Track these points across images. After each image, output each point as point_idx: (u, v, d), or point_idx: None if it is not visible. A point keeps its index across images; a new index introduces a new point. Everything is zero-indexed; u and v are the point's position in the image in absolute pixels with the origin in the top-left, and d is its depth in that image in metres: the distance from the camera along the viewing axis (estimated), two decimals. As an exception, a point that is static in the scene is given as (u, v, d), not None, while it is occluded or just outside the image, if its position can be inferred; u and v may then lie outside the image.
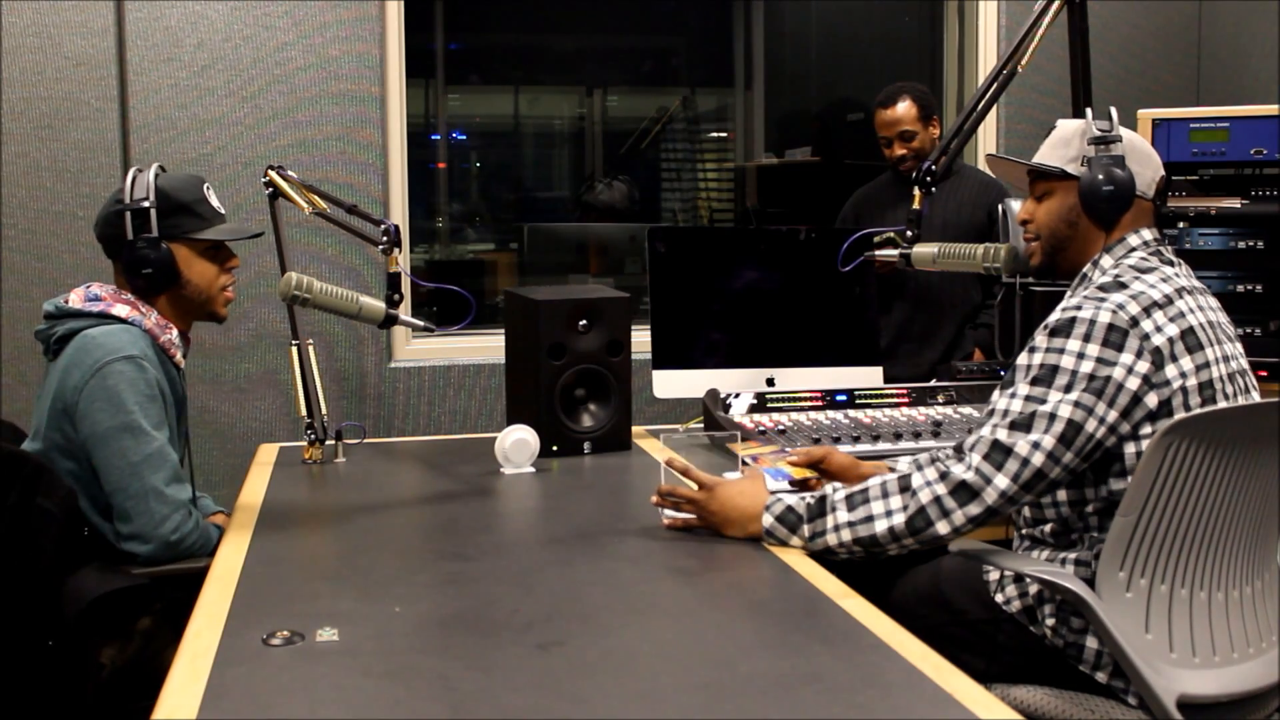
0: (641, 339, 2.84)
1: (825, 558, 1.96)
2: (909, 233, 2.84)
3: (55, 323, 2.33)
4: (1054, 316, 1.95)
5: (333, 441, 2.65)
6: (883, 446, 2.59)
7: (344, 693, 1.40)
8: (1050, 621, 1.94)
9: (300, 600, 1.73)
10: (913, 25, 5.54)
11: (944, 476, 1.91)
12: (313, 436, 2.62)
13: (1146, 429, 1.87)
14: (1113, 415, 1.86)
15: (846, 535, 1.94)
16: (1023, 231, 2.20)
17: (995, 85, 2.87)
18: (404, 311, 2.31)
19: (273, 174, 2.67)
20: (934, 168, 2.84)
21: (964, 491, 1.89)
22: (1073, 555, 1.95)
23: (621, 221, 5.70)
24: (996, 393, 1.97)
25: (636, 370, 2.78)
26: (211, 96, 3.70)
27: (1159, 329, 1.90)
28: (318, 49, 3.76)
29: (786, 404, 2.83)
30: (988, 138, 4.34)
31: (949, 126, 3.36)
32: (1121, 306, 1.91)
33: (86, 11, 3.59)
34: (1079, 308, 1.92)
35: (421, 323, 2.34)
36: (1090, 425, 1.86)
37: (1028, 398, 1.90)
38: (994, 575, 2.05)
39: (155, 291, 2.37)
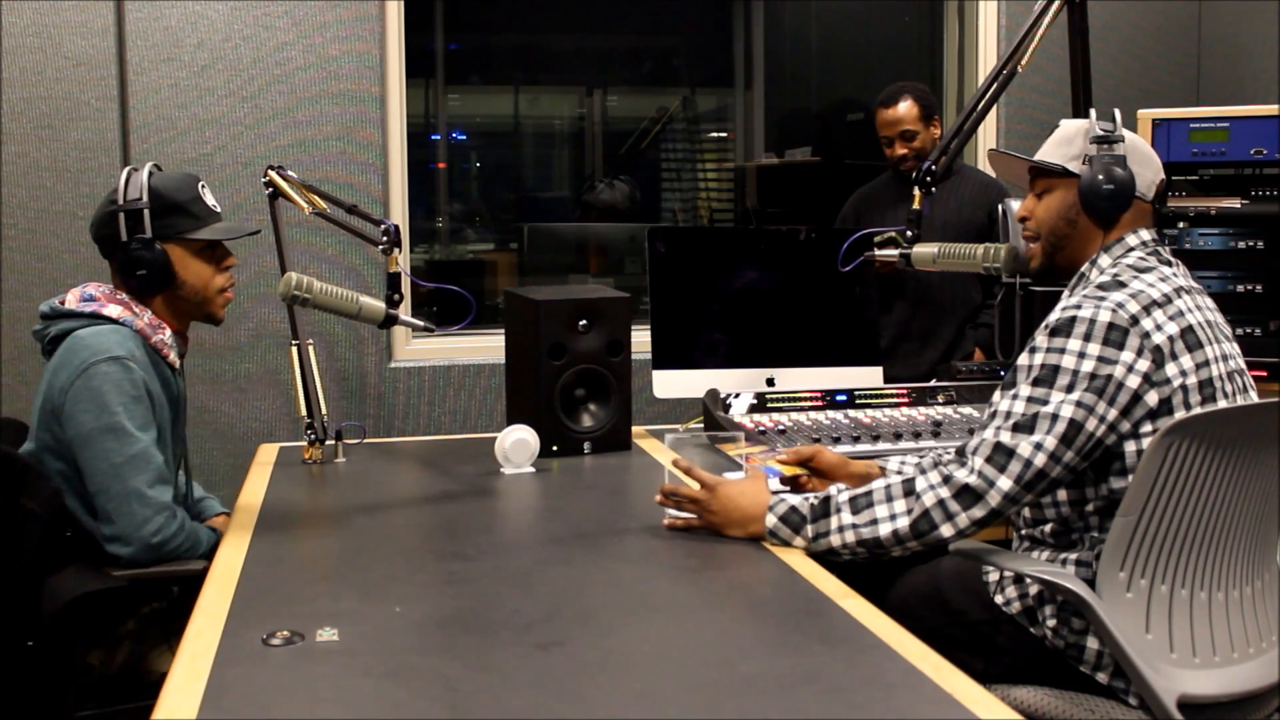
0: (641, 339, 2.84)
1: (827, 558, 1.96)
2: (909, 233, 2.84)
3: (50, 323, 2.33)
4: (1054, 316, 1.95)
5: (333, 441, 2.65)
6: (882, 446, 2.59)
7: (344, 693, 1.40)
8: (1051, 622, 1.94)
9: (300, 600, 1.73)
10: (913, 25, 5.54)
11: (947, 480, 1.91)
12: (313, 436, 2.62)
13: (1147, 427, 1.87)
14: (1113, 414, 1.87)
15: (850, 537, 1.94)
16: (1021, 228, 2.20)
17: (995, 85, 2.87)
18: (404, 311, 2.31)
19: (272, 174, 2.67)
20: (934, 168, 2.84)
21: (967, 494, 1.89)
22: (1073, 555, 1.95)
23: (621, 221, 5.70)
24: (998, 394, 1.97)
25: (636, 370, 2.78)
26: (211, 96, 3.70)
27: (1159, 327, 1.90)
28: (317, 49, 3.76)
29: (786, 404, 2.83)
30: (988, 138, 4.34)
31: (949, 126, 3.36)
32: (1121, 305, 1.91)
33: (86, 11, 3.58)
34: (1079, 307, 1.92)
35: (421, 323, 2.34)
36: (1091, 424, 1.86)
37: (1030, 399, 1.90)
38: (993, 576, 2.04)
39: (150, 292, 2.35)
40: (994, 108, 3.32)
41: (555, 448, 2.63)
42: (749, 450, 2.32)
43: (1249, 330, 3.49)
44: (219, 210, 2.45)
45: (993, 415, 1.94)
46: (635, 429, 2.81)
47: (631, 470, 2.58)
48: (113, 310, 2.31)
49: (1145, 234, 2.08)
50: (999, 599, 2.02)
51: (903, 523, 1.92)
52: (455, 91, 6.15)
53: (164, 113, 3.67)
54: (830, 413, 2.82)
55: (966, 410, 2.86)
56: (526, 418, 2.63)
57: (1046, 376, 1.90)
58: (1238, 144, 3.52)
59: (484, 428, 3.94)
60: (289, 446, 2.80)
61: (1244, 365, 2.04)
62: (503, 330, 2.92)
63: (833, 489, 2.01)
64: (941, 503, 1.90)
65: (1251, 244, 3.51)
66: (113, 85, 3.62)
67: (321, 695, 1.39)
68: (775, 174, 6.14)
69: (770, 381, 2.99)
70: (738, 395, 2.81)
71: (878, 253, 2.91)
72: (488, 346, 4.01)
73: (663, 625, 1.65)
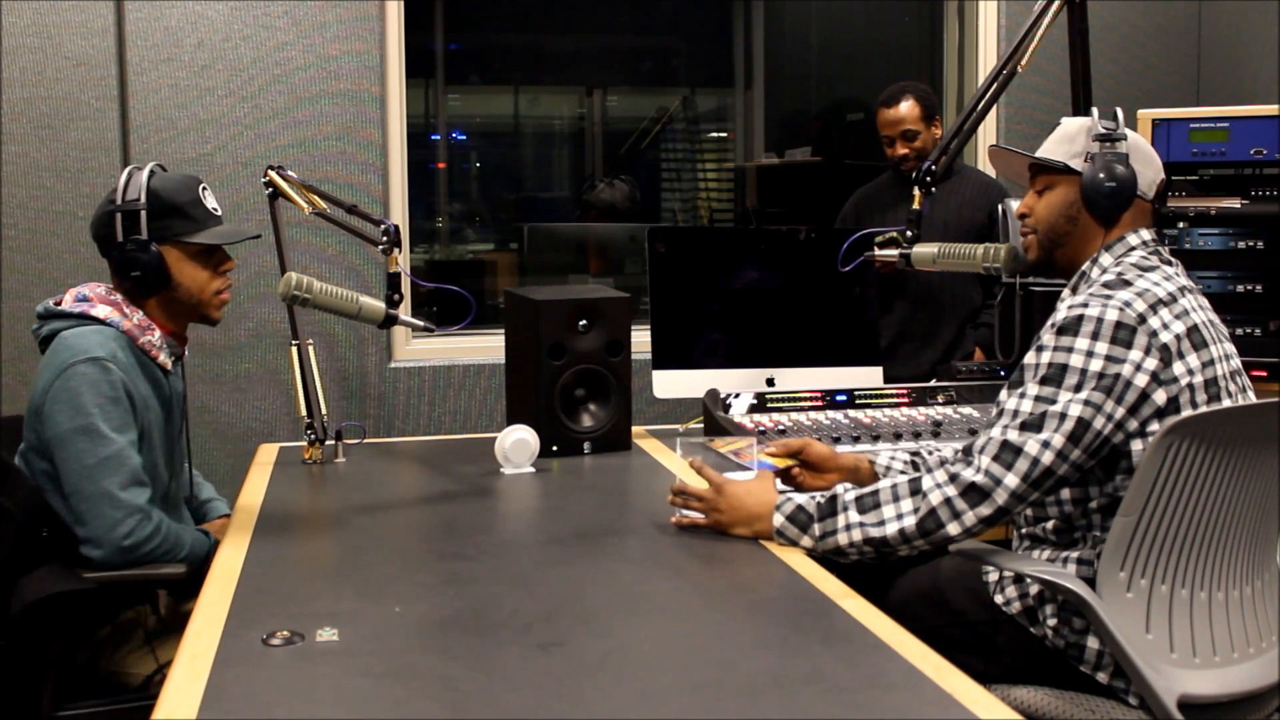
0: (641, 339, 2.83)
1: (834, 559, 1.97)
2: (909, 233, 2.84)
3: (43, 323, 2.32)
4: (1060, 314, 1.94)
5: (333, 441, 2.65)
6: (882, 447, 2.59)
7: (344, 693, 1.40)
8: (1052, 622, 1.94)
9: (300, 600, 1.73)
10: (913, 25, 5.54)
11: (954, 479, 1.91)
12: (313, 436, 2.62)
13: (1154, 426, 1.87)
14: (1121, 412, 1.87)
15: (857, 535, 1.94)
16: (1020, 225, 2.20)
17: (995, 85, 2.87)
18: (404, 311, 2.30)
19: (272, 174, 2.67)
20: (934, 168, 2.84)
21: (974, 493, 1.89)
22: (1075, 554, 1.95)
23: (621, 221, 5.70)
24: (1004, 392, 1.96)
25: (636, 370, 2.77)
26: (211, 96, 3.70)
27: (1166, 326, 1.90)
28: (317, 48, 3.76)
29: (786, 404, 2.83)
30: (988, 138, 4.34)
31: (949, 126, 3.36)
32: (1128, 304, 1.91)
33: (86, 11, 3.59)
34: (1086, 305, 1.92)
35: (421, 323, 2.33)
36: (1099, 423, 1.86)
37: (1037, 398, 1.90)
38: (993, 576, 2.04)
39: (145, 294, 2.33)
40: (994, 108, 3.32)
41: (555, 448, 2.62)
42: (738, 445, 2.33)
43: (1249, 330, 3.49)
44: (219, 213, 2.42)
45: (1000, 414, 1.94)
46: (635, 429, 2.81)
47: (631, 470, 2.58)
48: (101, 311, 2.29)
49: (1146, 233, 2.08)
50: (999, 599, 2.02)
51: (909, 521, 1.92)
52: (455, 91, 6.16)
53: (164, 113, 3.67)
54: (830, 413, 2.82)
55: (966, 410, 2.86)
56: (526, 418, 2.63)
57: (1054, 375, 1.90)
58: (1238, 144, 3.52)
59: (484, 428, 3.94)
60: (289, 446, 2.80)
61: (1240, 365, 2.04)
62: (503, 330, 2.92)
63: (839, 488, 2.02)
64: (948, 501, 1.90)
65: (1251, 244, 3.51)
66: (113, 85, 3.62)
67: (321, 695, 1.39)
68: (775, 174, 6.14)
69: (770, 381, 2.99)
70: (738, 395, 2.81)
71: (878, 253, 2.91)
72: (488, 346, 4.01)
73: (663, 625, 1.65)
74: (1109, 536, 1.82)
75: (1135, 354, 1.87)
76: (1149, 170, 2.09)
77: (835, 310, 3.10)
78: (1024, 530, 2.06)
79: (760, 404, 2.81)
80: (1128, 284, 1.95)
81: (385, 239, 2.28)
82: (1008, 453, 1.89)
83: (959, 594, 2.08)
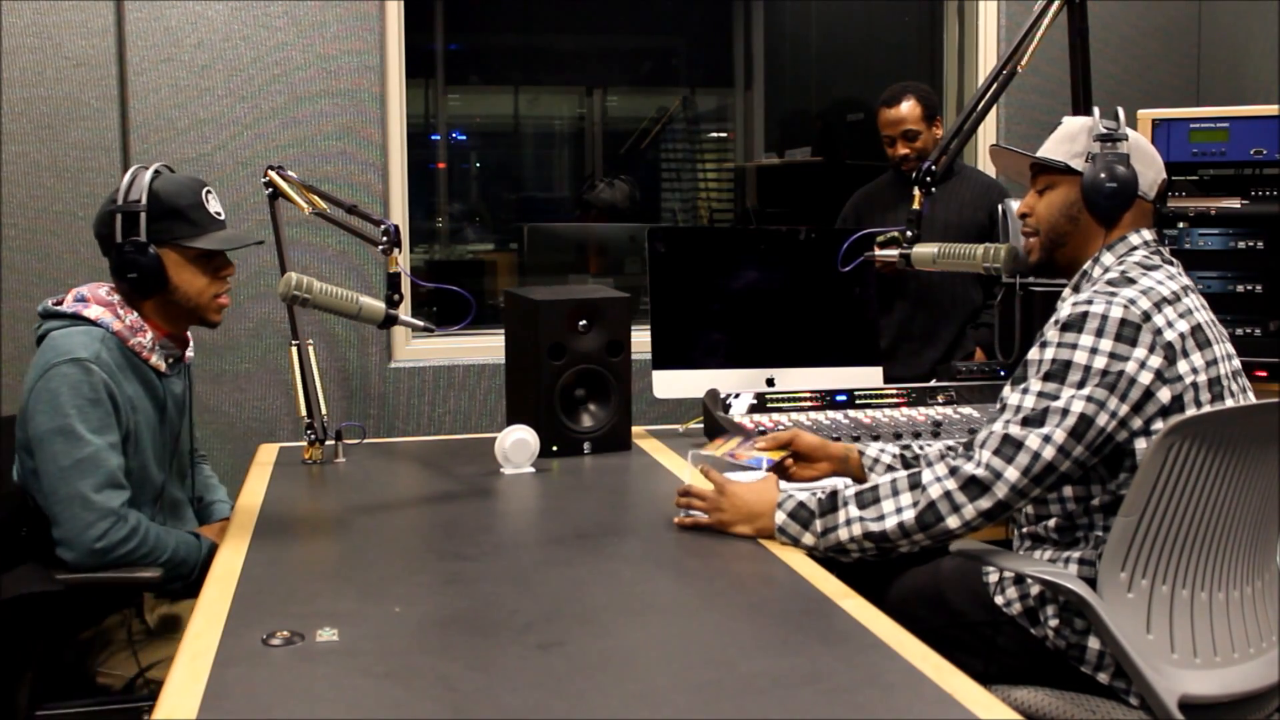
0: (641, 339, 2.83)
1: (836, 558, 1.97)
2: (909, 233, 2.84)
3: (41, 322, 2.32)
4: (1064, 311, 1.94)
5: (333, 441, 2.65)
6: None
7: (344, 693, 1.40)
8: (1053, 623, 1.94)
9: (300, 600, 1.73)
10: (913, 25, 5.54)
11: (954, 472, 1.91)
12: (313, 436, 2.62)
13: (1158, 424, 1.86)
14: (1124, 409, 1.87)
15: (857, 530, 1.94)
16: (1021, 225, 2.20)
17: (995, 85, 2.87)
18: (404, 311, 2.29)
19: (272, 174, 2.67)
20: (934, 168, 2.83)
21: (974, 486, 1.90)
22: (1076, 554, 1.95)
23: (621, 221, 5.70)
24: (1008, 388, 1.97)
25: (636, 370, 2.78)
26: (211, 96, 3.70)
27: (1170, 324, 1.90)
28: (317, 48, 3.76)
29: (786, 404, 2.83)
30: (988, 138, 4.34)
31: (949, 126, 3.36)
32: (1133, 301, 1.91)
33: (86, 11, 3.58)
34: (1090, 302, 1.92)
35: (421, 323, 2.33)
36: (1102, 419, 1.86)
37: (1040, 393, 1.90)
38: (993, 577, 2.04)
39: (142, 295, 2.31)
40: (994, 108, 3.32)
41: (555, 448, 2.62)
42: (728, 446, 2.34)
43: (1249, 330, 3.49)
44: (222, 218, 2.39)
45: (1002, 409, 1.94)
46: (635, 429, 2.81)
47: (631, 470, 2.58)
48: (93, 311, 2.28)
49: (1147, 233, 2.08)
50: (999, 600, 2.02)
51: (909, 515, 1.92)
52: (455, 91, 6.16)
53: (164, 112, 3.67)
54: (830, 413, 2.82)
55: (966, 410, 2.86)
56: (526, 418, 2.63)
57: (1058, 371, 1.90)
58: (1238, 144, 3.52)
59: (484, 428, 3.94)
60: (289, 446, 2.80)
61: (1240, 366, 2.04)
62: (503, 330, 2.92)
63: (840, 483, 2.02)
64: (948, 494, 1.90)
65: (1251, 244, 3.51)
66: (113, 85, 3.62)
67: (321, 695, 1.39)
68: (775, 174, 6.14)
69: (770, 382, 2.99)
70: (738, 395, 2.81)
71: (878, 253, 2.91)
72: (488, 346, 4.01)
73: (663, 625, 1.65)
74: (1110, 537, 1.82)
75: (1140, 351, 1.87)
76: (1150, 170, 2.09)
77: (835, 310, 3.10)
78: (1025, 529, 2.06)
79: (760, 404, 2.81)
80: (1132, 282, 1.95)
81: (385, 239, 2.28)
82: (1008, 447, 1.89)
83: (959, 595, 2.08)
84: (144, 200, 2.28)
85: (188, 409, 2.49)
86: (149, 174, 2.31)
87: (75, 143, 3.60)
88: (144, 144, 3.64)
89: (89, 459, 2.16)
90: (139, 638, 2.28)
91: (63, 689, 2.23)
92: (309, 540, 2.14)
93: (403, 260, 2.59)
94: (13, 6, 3.53)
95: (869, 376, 3.07)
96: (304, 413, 2.63)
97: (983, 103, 2.86)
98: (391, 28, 3.87)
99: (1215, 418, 1.81)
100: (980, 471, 1.90)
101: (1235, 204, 3.52)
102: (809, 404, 2.84)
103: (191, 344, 2.50)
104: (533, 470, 2.52)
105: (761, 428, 2.69)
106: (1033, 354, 1.96)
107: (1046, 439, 1.87)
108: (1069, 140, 2.11)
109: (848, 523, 1.95)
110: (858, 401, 2.87)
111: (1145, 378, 1.87)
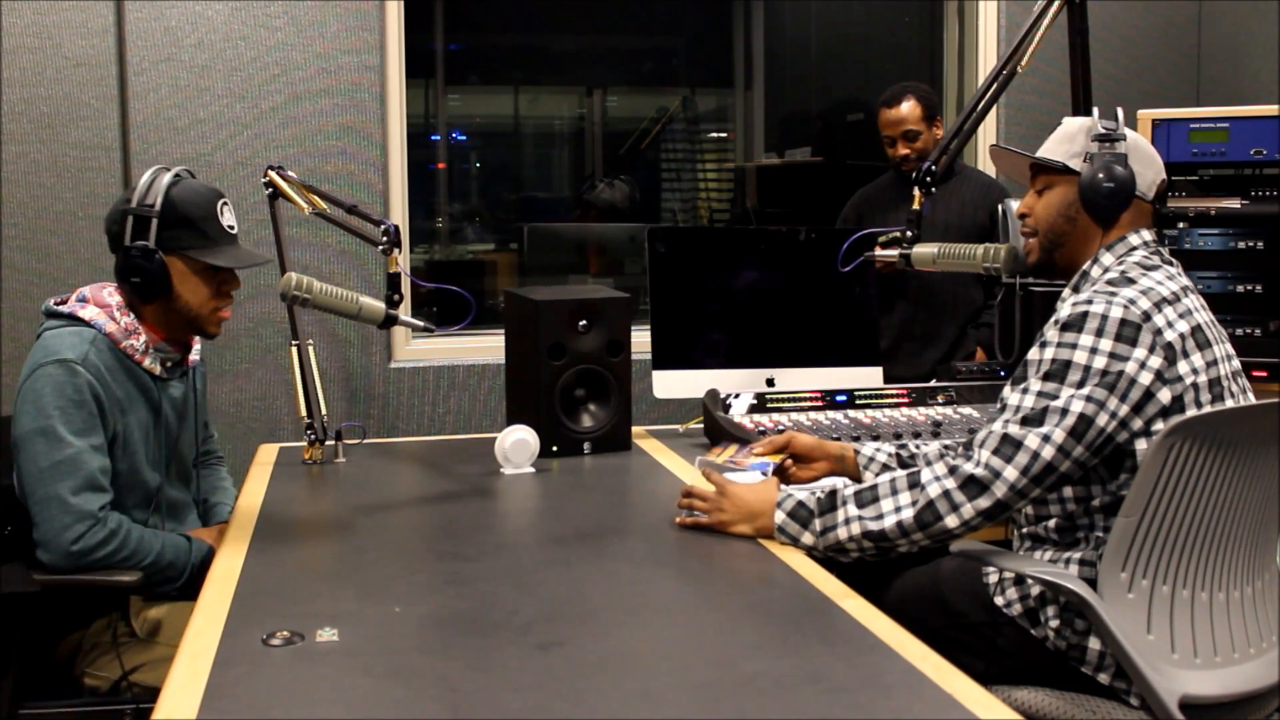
0: (641, 339, 2.83)
1: (835, 557, 1.97)
2: (909, 233, 2.84)
3: (43, 322, 2.32)
4: (1064, 311, 1.94)
5: (333, 442, 2.65)
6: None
7: (344, 693, 1.40)
8: (1054, 623, 1.94)
9: (300, 600, 1.73)
10: (913, 25, 5.54)
11: (953, 471, 1.92)
12: (313, 437, 2.62)
13: (1159, 425, 1.86)
14: (1124, 410, 1.87)
15: (856, 529, 1.95)
16: (1020, 225, 2.20)
17: (995, 85, 2.87)
18: (404, 312, 2.29)
19: (272, 174, 2.66)
20: (934, 168, 2.83)
21: (973, 485, 1.90)
22: (1076, 555, 1.95)
23: (621, 221, 5.70)
24: (1008, 388, 1.97)
25: (636, 370, 2.78)
26: (210, 95, 3.70)
27: (1170, 324, 1.90)
28: (317, 48, 3.76)
29: (786, 404, 2.83)
30: (988, 138, 4.34)
31: (948, 127, 3.36)
32: (1133, 301, 1.91)
33: (86, 11, 3.59)
34: (1090, 302, 1.92)
35: (421, 323, 2.33)
36: (1102, 419, 1.86)
37: (1040, 393, 1.90)
38: (994, 578, 2.04)
39: (143, 300, 2.30)
40: (994, 108, 3.32)
41: (555, 448, 2.62)
42: (728, 453, 2.36)
43: (1249, 330, 3.49)
44: (234, 232, 2.36)
45: (1002, 409, 1.94)
46: (635, 429, 2.81)
47: (631, 470, 2.58)
48: (89, 312, 2.27)
49: (1146, 234, 2.08)
50: (999, 600, 2.02)
51: (908, 514, 1.92)
52: (455, 91, 6.15)
53: (164, 112, 3.67)
54: (830, 413, 2.82)
55: (966, 410, 2.86)
56: (526, 418, 2.63)
57: (1058, 371, 1.90)
58: (1238, 144, 3.52)
59: (484, 428, 3.94)
60: (289, 447, 2.80)
61: (1240, 366, 2.04)
62: (503, 330, 2.92)
63: (839, 483, 2.03)
64: (947, 494, 1.90)
65: (1251, 244, 3.51)
66: (113, 85, 3.62)
67: (321, 695, 1.39)
68: (775, 174, 6.14)
69: (770, 382, 2.99)
70: (738, 395, 2.81)
71: (878, 253, 2.91)
72: (488, 346, 4.01)
73: (663, 625, 1.65)
74: (1110, 537, 1.82)
75: (1140, 352, 1.87)
76: (1149, 171, 2.09)
77: (835, 310, 3.10)
78: (1025, 530, 2.06)
79: (760, 404, 2.81)
80: (1132, 282, 1.95)
81: (385, 239, 2.28)
82: (1007, 446, 1.89)
83: (959, 595, 2.08)
84: (158, 205, 2.26)
85: (192, 412, 2.49)
86: (168, 177, 2.29)
87: (75, 143, 3.60)
88: (144, 144, 3.64)
89: (68, 461, 2.15)
90: (124, 640, 2.27)
91: (51, 689, 2.22)
92: (309, 540, 2.14)
93: (403, 260, 2.59)
94: (13, 6, 3.53)
95: (869, 376, 3.07)
96: (304, 413, 2.63)
97: (983, 103, 2.86)
98: (391, 27, 3.88)
99: (1215, 418, 1.81)
100: (979, 471, 1.90)
101: (1235, 204, 3.52)
102: (809, 404, 2.84)
103: (196, 349, 2.49)
104: (533, 470, 2.52)
105: (761, 429, 2.69)
106: (1032, 354, 1.96)
107: (1046, 439, 1.87)
108: (1068, 140, 2.11)
109: (846, 522, 1.95)
110: (858, 402, 2.87)
111: (1145, 378, 1.87)
